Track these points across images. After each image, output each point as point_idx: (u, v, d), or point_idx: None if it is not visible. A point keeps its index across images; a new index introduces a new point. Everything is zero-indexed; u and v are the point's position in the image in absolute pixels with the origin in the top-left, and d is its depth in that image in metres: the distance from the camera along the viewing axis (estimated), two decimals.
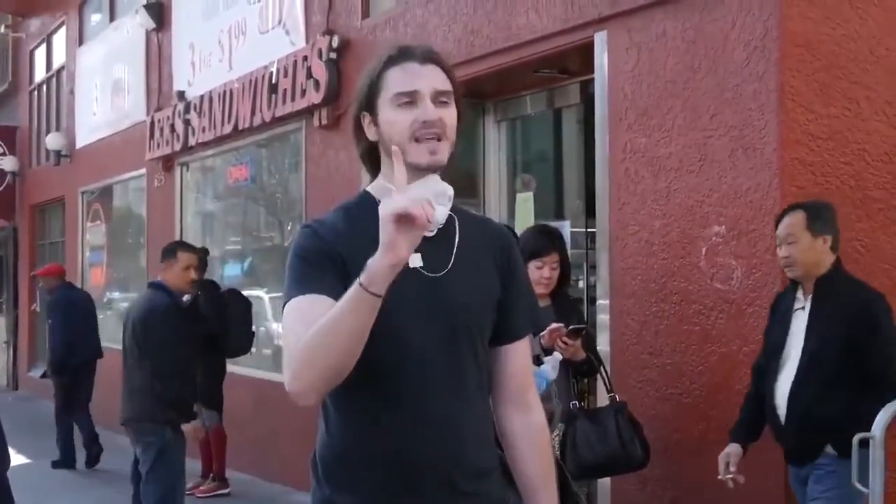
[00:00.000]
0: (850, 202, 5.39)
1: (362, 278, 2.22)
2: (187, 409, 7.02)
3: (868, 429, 4.35)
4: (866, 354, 4.56)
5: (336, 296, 2.42)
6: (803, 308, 4.77)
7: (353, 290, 2.24)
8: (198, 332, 8.97)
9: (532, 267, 5.40)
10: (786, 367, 4.75)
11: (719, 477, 4.88)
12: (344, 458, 2.57)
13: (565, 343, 5.22)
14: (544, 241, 5.60)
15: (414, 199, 2.16)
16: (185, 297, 10.00)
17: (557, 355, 4.94)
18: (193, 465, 9.90)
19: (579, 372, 5.59)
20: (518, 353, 2.73)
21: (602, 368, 5.58)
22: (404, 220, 2.16)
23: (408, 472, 2.52)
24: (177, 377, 6.90)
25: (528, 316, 2.77)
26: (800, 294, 4.82)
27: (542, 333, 5.15)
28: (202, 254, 10.09)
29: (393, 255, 2.19)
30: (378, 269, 2.21)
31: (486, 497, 2.62)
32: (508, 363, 2.71)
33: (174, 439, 6.96)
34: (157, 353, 6.89)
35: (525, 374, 2.77)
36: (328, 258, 2.48)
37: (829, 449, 4.65)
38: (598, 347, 6.13)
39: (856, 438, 4.37)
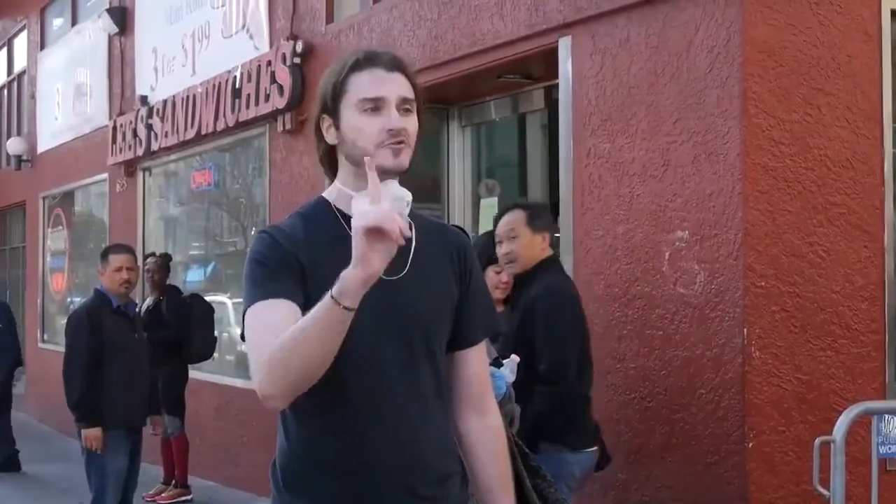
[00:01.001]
0: (811, 207, 5.42)
1: (334, 291, 2.21)
2: (89, 414, 6.98)
3: (534, 431, 4.59)
4: (532, 351, 4.81)
5: (297, 300, 2.42)
6: None
7: (325, 302, 2.22)
8: (158, 337, 8.96)
9: (490, 272, 5.38)
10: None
11: None
12: (303, 466, 2.56)
13: None
14: None
15: (385, 213, 2.15)
16: (147, 302, 9.98)
17: (515, 358, 4.92)
18: (156, 472, 9.86)
19: None
20: (475, 358, 2.73)
21: None
22: (376, 234, 2.15)
23: (367, 478, 2.51)
24: (82, 379, 6.91)
25: (485, 321, 2.77)
26: None
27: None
28: (164, 259, 10.06)
29: (365, 268, 2.18)
30: (350, 282, 2.19)
31: (446, 502, 2.62)
32: (465, 368, 2.71)
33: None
34: (66, 355, 7.11)
35: (482, 378, 2.76)
36: (286, 263, 2.47)
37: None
38: None
39: (817, 441, 4.40)
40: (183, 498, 9.78)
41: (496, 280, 5.43)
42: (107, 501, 7.08)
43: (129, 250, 7.54)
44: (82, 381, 6.95)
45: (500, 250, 5.18)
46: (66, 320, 7.43)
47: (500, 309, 5.36)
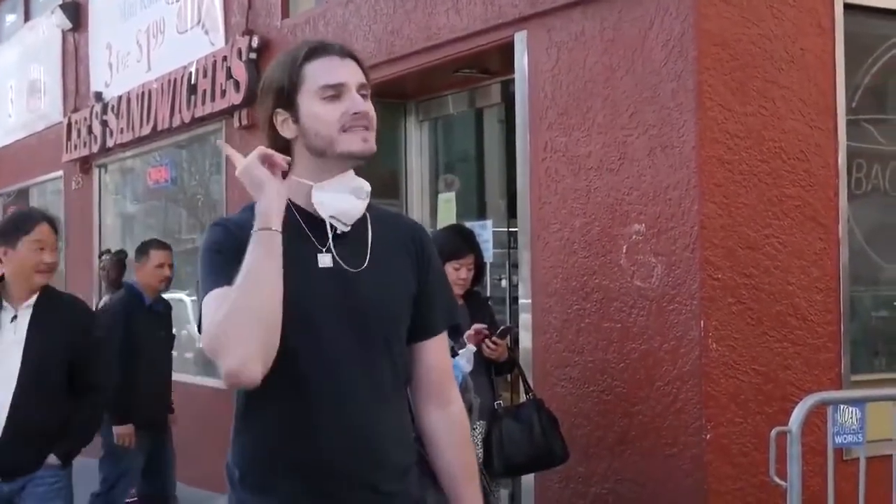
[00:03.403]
0: (766, 200, 5.45)
1: (257, 225, 2.38)
2: (122, 411, 6.89)
3: None
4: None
5: None
6: None
7: (254, 238, 2.37)
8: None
9: (449, 268, 5.47)
10: None
11: None
12: (260, 462, 2.54)
13: (495, 343, 5.39)
14: (461, 242, 5.73)
15: (259, 150, 2.48)
16: (104, 300, 9.89)
17: (472, 347, 5.03)
18: None
19: (500, 371, 5.78)
20: (436, 348, 2.72)
21: (518, 365, 5.76)
22: (266, 159, 2.46)
23: (326, 473, 2.49)
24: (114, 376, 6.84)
25: (445, 311, 2.77)
26: None
27: (467, 333, 5.21)
28: (120, 255, 9.96)
29: (270, 186, 2.43)
30: (266, 205, 2.41)
31: (407, 496, 2.61)
32: (426, 359, 2.70)
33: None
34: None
35: (444, 368, 2.76)
36: (241, 251, 2.45)
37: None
38: (520, 346, 6.19)
39: (773, 432, 4.43)
40: None
41: (455, 276, 5.52)
42: (115, 498, 6.99)
43: (169, 246, 7.43)
44: (114, 378, 6.84)
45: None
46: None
47: (458, 304, 5.42)
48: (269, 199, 2.41)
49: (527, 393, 5.65)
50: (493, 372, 5.70)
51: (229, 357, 2.31)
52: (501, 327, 5.51)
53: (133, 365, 6.89)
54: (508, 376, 6.16)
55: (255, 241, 2.36)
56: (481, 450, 5.30)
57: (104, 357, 5.30)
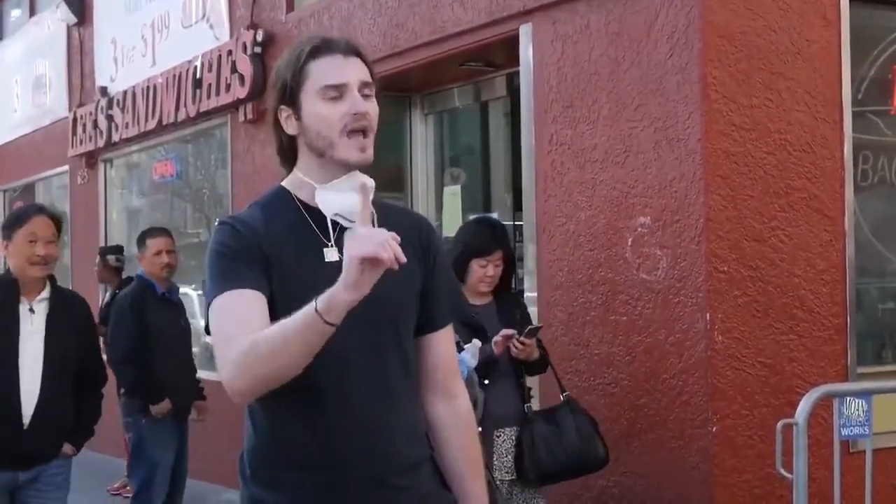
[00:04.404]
0: (772, 192, 5.45)
1: (320, 306, 2.21)
2: (150, 394, 6.93)
3: None
4: None
5: (263, 289, 2.40)
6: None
7: (308, 315, 2.23)
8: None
9: (475, 266, 5.25)
10: None
11: None
12: (271, 457, 2.54)
13: (522, 344, 5.04)
14: (487, 237, 5.34)
15: (382, 242, 2.15)
16: (105, 297, 9.95)
17: (477, 342, 4.86)
18: (119, 465, 9.79)
19: (531, 371, 5.38)
20: (441, 341, 2.72)
21: (551, 365, 5.42)
22: (372, 262, 2.15)
23: (336, 468, 2.50)
24: (129, 365, 6.85)
25: (450, 304, 2.76)
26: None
27: (494, 340, 5.01)
28: (117, 252, 10.00)
29: (357, 292, 2.19)
30: (339, 303, 2.20)
31: (416, 490, 2.60)
32: (432, 353, 2.70)
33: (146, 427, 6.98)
34: (108, 346, 7.04)
35: (449, 362, 2.76)
36: (249, 252, 2.45)
37: None
38: None
39: (779, 424, 4.43)
40: None
41: (481, 274, 5.26)
42: (152, 495, 6.95)
43: (167, 233, 7.37)
44: (130, 367, 6.82)
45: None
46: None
47: (484, 302, 5.33)
48: (350, 297, 2.20)
49: (561, 393, 5.31)
50: (524, 373, 5.32)
51: (231, 381, 2.37)
52: (529, 327, 5.14)
53: (149, 354, 6.87)
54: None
55: (309, 317, 2.23)
56: (512, 456, 5.13)
57: (99, 349, 5.42)
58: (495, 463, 5.11)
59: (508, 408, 5.15)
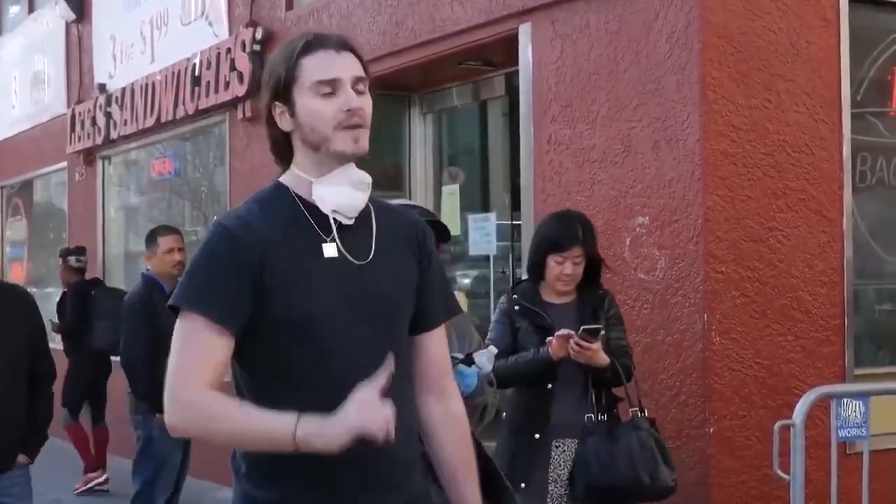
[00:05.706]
0: (770, 193, 5.44)
1: (300, 433, 2.29)
2: (161, 399, 6.86)
3: None
4: None
5: (236, 318, 2.44)
6: None
7: (283, 433, 2.31)
8: (58, 329, 9.17)
9: (551, 262, 4.80)
10: None
11: None
12: (266, 455, 2.53)
13: (580, 346, 4.58)
14: (565, 231, 4.85)
15: (381, 421, 2.26)
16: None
17: (493, 348, 4.53)
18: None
19: (601, 381, 4.78)
20: (434, 340, 2.72)
21: (629, 378, 4.84)
22: (366, 435, 2.27)
23: (332, 466, 2.48)
24: (144, 367, 6.77)
25: (444, 303, 2.76)
26: None
27: (548, 339, 4.66)
28: (78, 253, 10.07)
29: (336, 449, 2.29)
30: (316, 446, 2.30)
31: (410, 489, 2.60)
32: (425, 351, 2.70)
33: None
34: (123, 348, 6.94)
35: (443, 361, 2.76)
36: (237, 271, 2.45)
37: None
38: None
39: (777, 425, 4.43)
40: (96, 481, 9.70)
41: (558, 271, 4.81)
42: (155, 494, 6.91)
43: (178, 231, 7.34)
44: (144, 370, 6.69)
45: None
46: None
47: (565, 301, 4.88)
48: (327, 449, 2.31)
49: (630, 409, 4.80)
50: (591, 381, 4.77)
51: (173, 422, 2.51)
52: (584, 327, 4.61)
53: (161, 354, 6.81)
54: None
55: (283, 435, 2.32)
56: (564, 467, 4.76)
57: (47, 342, 5.09)
58: (550, 475, 4.74)
59: (571, 417, 4.72)
